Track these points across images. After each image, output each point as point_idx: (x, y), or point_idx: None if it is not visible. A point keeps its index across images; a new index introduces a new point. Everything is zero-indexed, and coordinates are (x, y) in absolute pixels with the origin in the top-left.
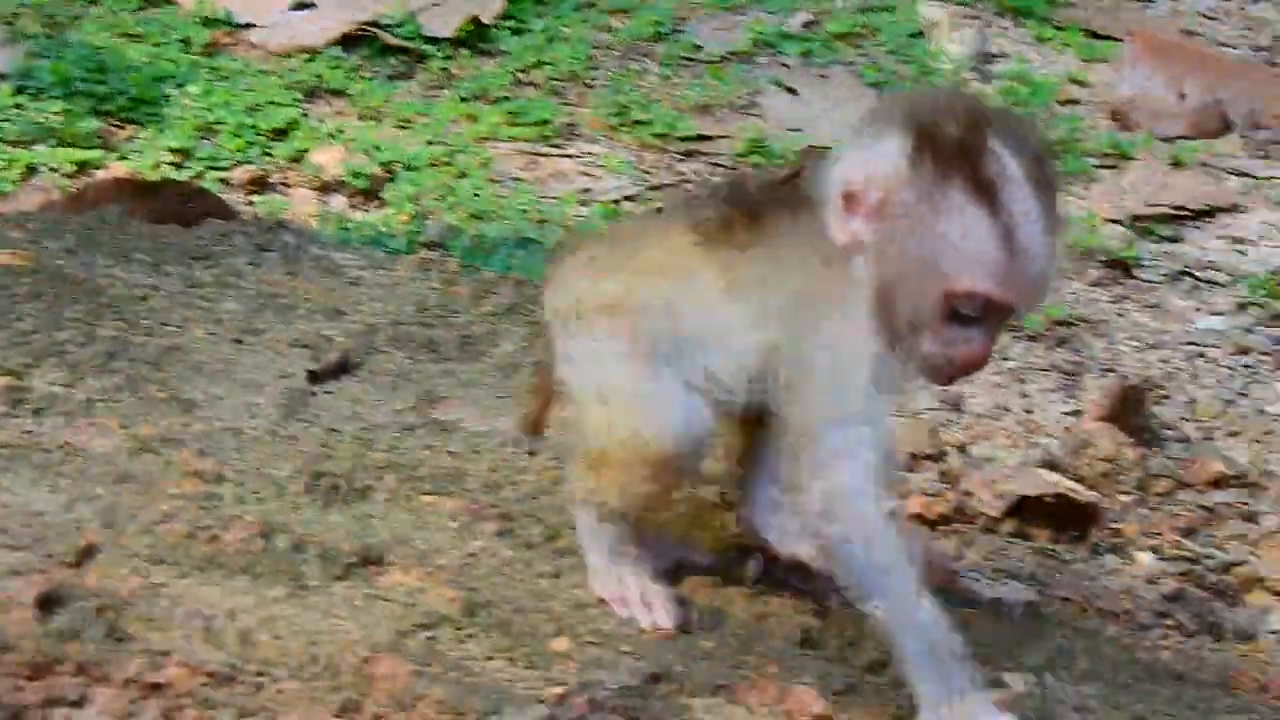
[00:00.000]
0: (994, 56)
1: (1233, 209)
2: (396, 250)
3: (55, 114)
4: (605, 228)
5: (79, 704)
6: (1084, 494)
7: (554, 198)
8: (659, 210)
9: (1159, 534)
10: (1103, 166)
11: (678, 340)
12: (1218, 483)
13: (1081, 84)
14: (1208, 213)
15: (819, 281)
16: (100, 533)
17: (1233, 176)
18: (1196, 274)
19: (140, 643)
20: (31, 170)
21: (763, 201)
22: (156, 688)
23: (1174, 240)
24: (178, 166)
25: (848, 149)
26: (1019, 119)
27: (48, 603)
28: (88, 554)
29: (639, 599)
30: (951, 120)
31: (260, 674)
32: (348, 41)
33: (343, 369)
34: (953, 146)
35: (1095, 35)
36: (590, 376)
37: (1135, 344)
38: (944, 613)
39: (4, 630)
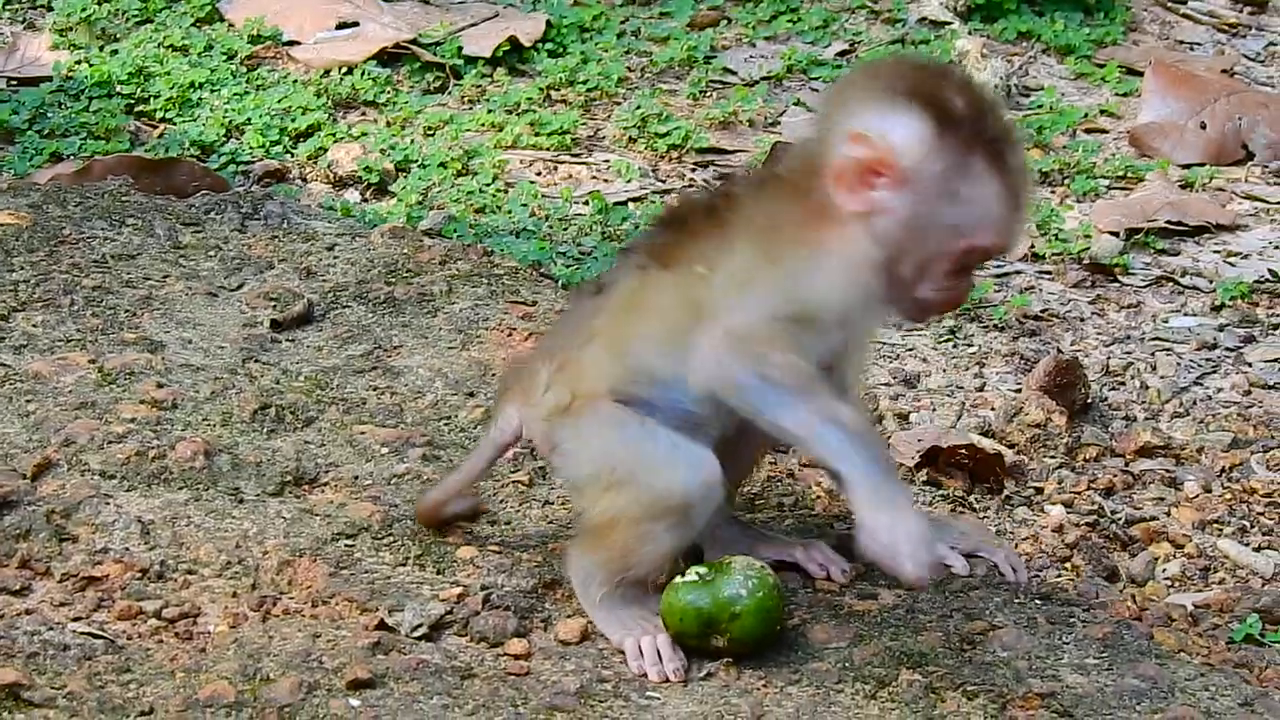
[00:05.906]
0: (1030, 89)
1: (1235, 228)
2: (375, 223)
3: (92, 113)
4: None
5: (20, 593)
6: (992, 446)
7: (555, 197)
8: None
9: (1077, 492)
10: (1114, 187)
11: (654, 381)
12: (1147, 452)
13: (1112, 115)
14: (1206, 229)
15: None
16: (59, 451)
17: (1244, 200)
18: (1179, 280)
19: (83, 543)
20: (57, 158)
21: (688, 215)
22: (93, 581)
23: (1169, 253)
24: (201, 160)
25: (848, 121)
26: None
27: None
28: (44, 468)
29: (653, 654)
30: (958, 95)
31: (190, 572)
32: (387, 58)
33: (305, 320)
34: (969, 120)
35: (1133, 72)
36: (587, 462)
37: (1103, 338)
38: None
39: None
